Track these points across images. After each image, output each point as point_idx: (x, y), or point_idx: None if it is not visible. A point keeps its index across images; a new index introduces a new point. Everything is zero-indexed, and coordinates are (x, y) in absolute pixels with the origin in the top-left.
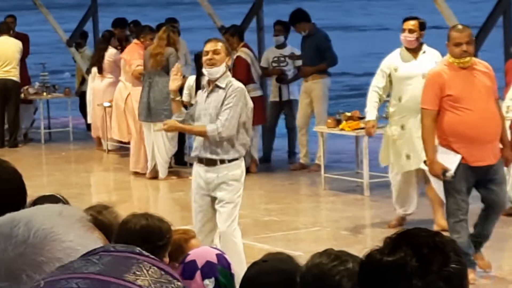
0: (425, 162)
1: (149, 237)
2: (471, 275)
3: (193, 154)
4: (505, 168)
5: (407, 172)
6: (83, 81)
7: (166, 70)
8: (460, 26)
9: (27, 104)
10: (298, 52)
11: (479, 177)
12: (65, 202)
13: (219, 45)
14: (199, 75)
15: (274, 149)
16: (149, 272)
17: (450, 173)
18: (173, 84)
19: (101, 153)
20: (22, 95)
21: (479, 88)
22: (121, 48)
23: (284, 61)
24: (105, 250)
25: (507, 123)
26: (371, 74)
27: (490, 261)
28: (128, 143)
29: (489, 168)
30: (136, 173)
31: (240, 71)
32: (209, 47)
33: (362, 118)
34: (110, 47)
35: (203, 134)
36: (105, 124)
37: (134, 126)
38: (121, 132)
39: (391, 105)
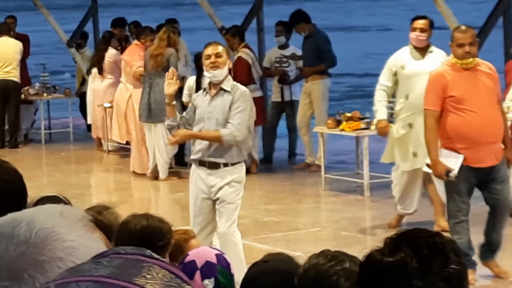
0: (428, 165)
1: (149, 237)
2: (471, 276)
3: (194, 156)
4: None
5: (414, 171)
6: (84, 82)
7: (166, 70)
8: (463, 27)
9: (28, 104)
10: (300, 52)
11: (481, 178)
12: (67, 202)
13: (220, 48)
14: (199, 75)
15: (275, 149)
16: (159, 276)
17: (454, 173)
18: (169, 88)
19: (101, 154)
20: (23, 96)
21: (482, 89)
22: (121, 48)
23: (286, 62)
24: (116, 253)
25: (508, 124)
26: (372, 75)
27: (506, 269)
28: (128, 143)
29: (491, 169)
30: (136, 174)
31: (241, 71)
32: (210, 50)
33: (363, 118)
34: (110, 47)
35: (218, 139)
36: (105, 124)
37: (135, 127)
38: (121, 134)
39: (398, 103)
